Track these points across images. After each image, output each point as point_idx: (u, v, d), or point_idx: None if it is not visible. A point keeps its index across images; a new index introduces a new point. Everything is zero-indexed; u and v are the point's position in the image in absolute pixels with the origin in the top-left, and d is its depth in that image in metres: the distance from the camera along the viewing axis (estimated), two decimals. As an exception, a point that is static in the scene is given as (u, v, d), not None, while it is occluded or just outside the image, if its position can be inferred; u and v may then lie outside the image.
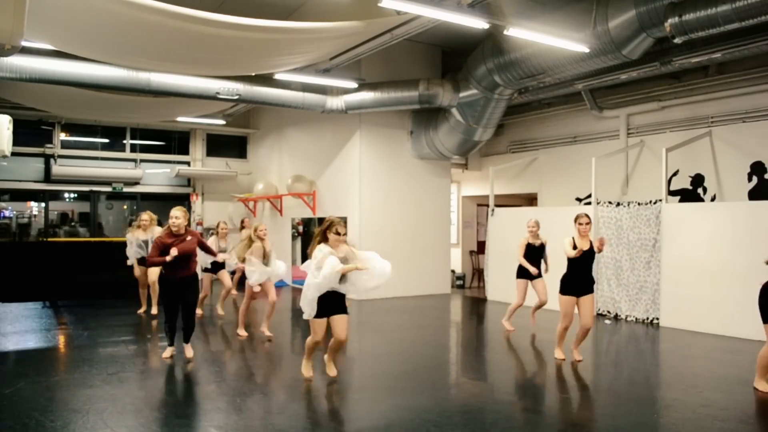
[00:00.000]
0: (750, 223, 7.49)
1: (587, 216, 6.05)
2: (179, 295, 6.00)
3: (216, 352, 6.65)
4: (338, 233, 4.94)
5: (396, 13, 6.76)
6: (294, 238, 13.18)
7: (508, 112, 10.90)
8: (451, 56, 11.27)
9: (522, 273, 7.74)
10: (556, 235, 9.71)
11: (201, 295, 7.55)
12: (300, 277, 12.74)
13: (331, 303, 5.03)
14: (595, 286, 6.16)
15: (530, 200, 13.19)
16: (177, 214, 5.90)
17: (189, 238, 6.00)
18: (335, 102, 10.28)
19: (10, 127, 8.49)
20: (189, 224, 6.03)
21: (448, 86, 9.97)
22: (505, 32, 7.22)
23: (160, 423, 4.23)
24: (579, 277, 6.01)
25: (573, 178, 11.01)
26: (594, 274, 6.12)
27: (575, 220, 6.09)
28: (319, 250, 4.90)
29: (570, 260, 6.00)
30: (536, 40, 7.49)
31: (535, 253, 7.72)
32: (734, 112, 8.90)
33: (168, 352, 6.17)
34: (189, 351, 6.16)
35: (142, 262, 8.65)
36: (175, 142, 14.61)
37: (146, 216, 8.74)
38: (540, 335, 7.67)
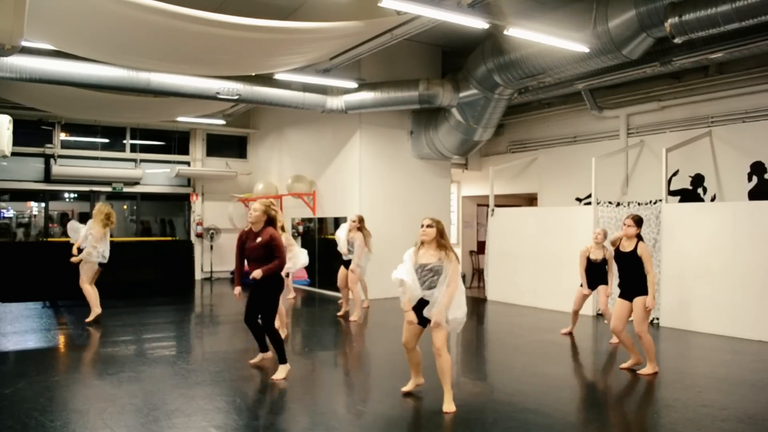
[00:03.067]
0: (750, 223, 7.49)
1: (630, 218, 5.81)
2: (253, 292, 5.53)
3: (216, 352, 6.65)
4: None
5: (396, 13, 6.76)
6: (294, 238, 13.17)
7: (508, 112, 10.89)
8: (451, 56, 11.27)
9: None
10: (555, 236, 9.76)
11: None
12: (300, 277, 12.74)
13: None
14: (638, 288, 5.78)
15: (530, 200, 13.19)
16: (255, 206, 5.47)
17: (259, 239, 5.39)
18: (335, 102, 10.29)
19: (10, 127, 8.48)
20: (271, 223, 5.45)
21: (448, 86, 9.96)
22: (505, 32, 7.22)
23: (160, 423, 4.23)
24: (622, 280, 5.88)
25: (573, 178, 11.01)
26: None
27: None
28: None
29: (616, 262, 5.97)
30: (536, 40, 7.49)
31: (594, 269, 7.29)
32: (734, 112, 8.90)
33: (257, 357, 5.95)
34: (279, 372, 5.46)
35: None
36: (175, 142, 14.60)
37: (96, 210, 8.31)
38: (541, 336, 7.68)
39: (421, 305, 4.61)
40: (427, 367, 5.05)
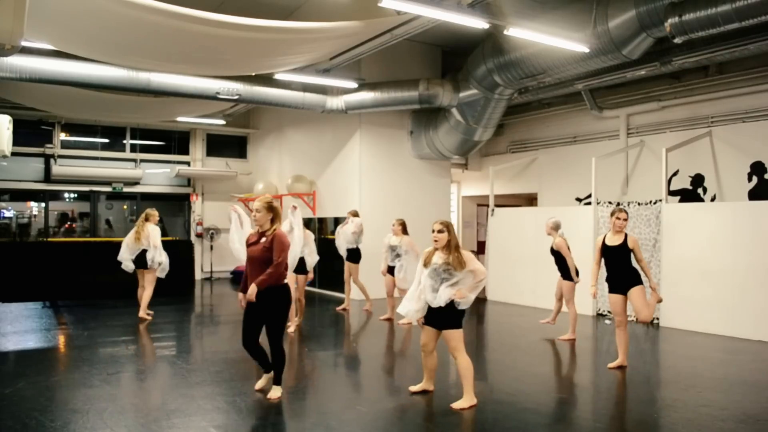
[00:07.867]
0: (750, 223, 7.49)
1: (625, 212, 5.92)
2: (252, 308, 4.78)
3: (216, 352, 6.65)
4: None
5: (396, 13, 6.76)
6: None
7: (508, 112, 10.89)
8: (451, 56, 11.27)
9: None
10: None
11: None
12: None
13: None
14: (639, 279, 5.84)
15: (530, 200, 13.19)
16: (256, 206, 4.77)
17: (263, 240, 4.73)
18: (335, 102, 10.29)
19: (10, 127, 8.48)
20: (275, 221, 4.77)
21: (448, 86, 9.97)
22: (505, 32, 7.22)
23: (160, 423, 4.23)
24: (612, 274, 5.90)
25: (573, 178, 11.01)
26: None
27: (611, 215, 5.90)
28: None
29: (604, 257, 5.95)
30: (536, 40, 7.49)
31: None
32: (734, 112, 8.90)
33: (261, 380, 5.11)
34: (274, 391, 4.84)
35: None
36: (175, 142, 14.61)
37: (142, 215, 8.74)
38: (541, 336, 7.67)
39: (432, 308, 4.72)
40: (444, 363, 5.07)
